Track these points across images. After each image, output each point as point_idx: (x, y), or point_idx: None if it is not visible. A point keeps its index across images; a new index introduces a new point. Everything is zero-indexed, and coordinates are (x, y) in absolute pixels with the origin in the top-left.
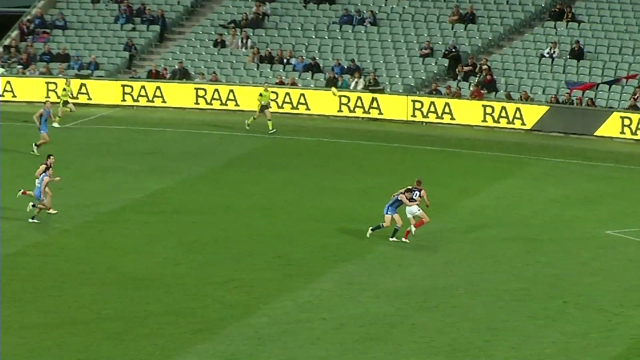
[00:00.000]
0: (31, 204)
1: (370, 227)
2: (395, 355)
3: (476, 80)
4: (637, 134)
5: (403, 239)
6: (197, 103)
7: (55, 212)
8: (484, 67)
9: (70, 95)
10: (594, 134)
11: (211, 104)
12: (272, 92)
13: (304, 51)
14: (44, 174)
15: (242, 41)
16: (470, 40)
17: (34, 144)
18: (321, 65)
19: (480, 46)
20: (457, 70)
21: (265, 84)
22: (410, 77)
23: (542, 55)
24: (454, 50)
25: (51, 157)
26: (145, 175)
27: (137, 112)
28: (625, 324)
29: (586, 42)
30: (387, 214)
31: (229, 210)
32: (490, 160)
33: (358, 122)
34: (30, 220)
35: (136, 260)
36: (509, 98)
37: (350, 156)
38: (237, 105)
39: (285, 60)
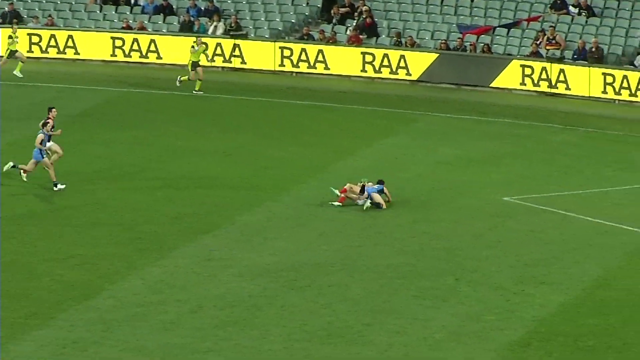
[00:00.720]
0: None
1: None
2: (261, 342)
3: (354, 24)
4: (539, 85)
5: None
6: (30, 51)
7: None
8: (364, 8)
9: None
10: (490, 85)
11: (47, 52)
12: (119, 38)
13: None
14: (40, 131)
15: None
16: None
17: None
18: (174, 6)
19: None
20: (332, 12)
21: (198, 38)
22: (277, 20)
23: None
24: None
25: (53, 109)
26: None
27: None
28: (526, 304)
29: None
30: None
31: (69, 176)
32: (370, 116)
33: (217, 72)
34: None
35: None
36: (399, 45)
37: (208, 112)
38: (76, 53)
39: (132, 2)
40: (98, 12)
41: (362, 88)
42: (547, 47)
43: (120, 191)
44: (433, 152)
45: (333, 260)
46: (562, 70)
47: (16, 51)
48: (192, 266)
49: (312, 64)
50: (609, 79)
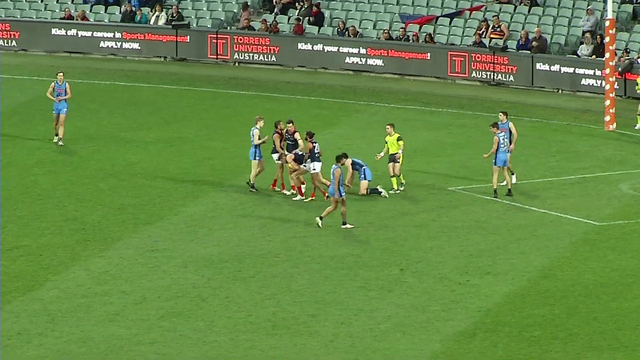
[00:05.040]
0: None
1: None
2: (207, 333)
3: (297, 13)
4: (483, 75)
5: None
6: None
7: None
8: None
9: None
10: (434, 75)
11: None
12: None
13: None
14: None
15: None
16: None
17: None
18: None
19: None
20: (273, 1)
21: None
22: (219, 9)
23: None
24: None
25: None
26: None
27: None
28: (471, 295)
29: None
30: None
31: (10, 167)
32: (312, 106)
33: (159, 63)
34: None
35: None
36: (342, 35)
37: (151, 102)
38: (18, 43)
39: None
40: (40, 1)
41: (304, 79)
42: (492, 36)
43: (64, 182)
44: (376, 143)
45: (277, 251)
46: (505, 60)
47: None
48: (137, 257)
49: (254, 54)
50: (553, 69)
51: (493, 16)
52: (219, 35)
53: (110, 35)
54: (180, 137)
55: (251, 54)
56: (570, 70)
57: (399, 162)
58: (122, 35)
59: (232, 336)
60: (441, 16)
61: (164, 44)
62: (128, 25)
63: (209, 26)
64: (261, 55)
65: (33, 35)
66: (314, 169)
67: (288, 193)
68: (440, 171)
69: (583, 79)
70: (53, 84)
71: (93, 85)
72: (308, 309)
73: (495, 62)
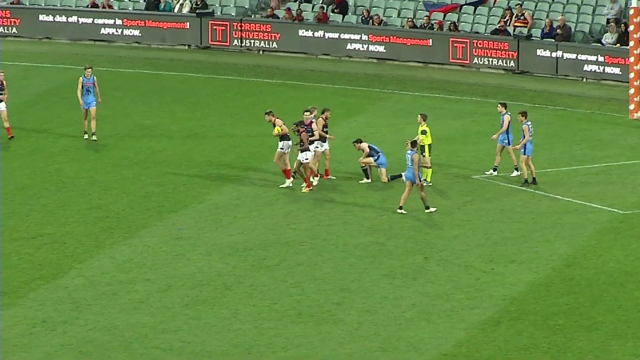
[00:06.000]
0: None
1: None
2: (231, 321)
3: (321, 2)
4: (507, 63)
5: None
6: None
7: None
8: None
9: None
10: (457, 63)
11: (13, 31)
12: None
13: None
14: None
15: None
16: None
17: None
18: None
19: None
20: None
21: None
22: None
23: None
24: None
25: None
26: None
27: None
28: (495, 283)
29: None
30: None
31: (34, 155)
32: (337, 94)
33: (184, 51)
34: None
35: None
36: (366, 23)
37: (175, 90)
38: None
39: None
40: None
41: (330, 67)
42: (516, 24)
43: (88, 170)
44: (400, 131)
45: (302, 239)
46: (530, 48)
47: None
48: (161, 245)
49: (279, 41)
50: (578, 57)
51: (517, 4)
52: (242, 23)
53: (134, 23)
54: (204, 125)
55: (275, 41)
56: (594, 58)
57: (423, 155)
58: (145, 23)
59: (257, 324)
60: (465, 4)
61: (188, 31)
62: (152, 13)
63: (232, 14)
64: (284, 42)
65: (56, 23)
66: (306, 159)
67: (334, 177)
68: (465, 159)
69: (607, 67)
70: (81, 78)
71: (117, 74)
72: (333, 297)
73: (520, 50)
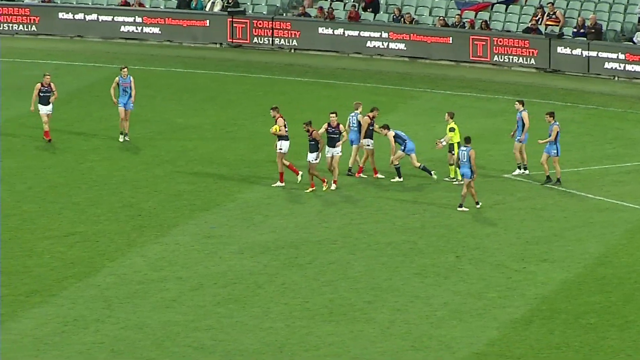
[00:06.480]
0: None
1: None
2: (263, 319)
3: (352, 0)
4: (539, 62)
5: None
6: (27, 29)
7: None
8: None
9: None
10: (490, 61)
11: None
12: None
13: None
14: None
15: None
16: None
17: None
18: None
19: None
20: None
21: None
22: None
23: None
24: None
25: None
26: None
27: None
28: (527, 282)
29: None
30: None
31: (66, 153)
32: (369, 92)
33: (215, 49)
34: None
35: None
36: (397, 21)
37: (207, 89)
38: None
39: None
40: None
41: (361, 65)
42: (547, 23)
43: (119, 168)
44: (432, 129)
45: (334, 238)
46: (561, 47)
47: None
48: (193, 243)
49: (310, 40)
50: (610, 56)
51: (548, 3)
52: (274, 22)
53: (165, 21)
54: (236, 123)
55: (307, 40)
56: (626, 57)
57: (452, 153)
58: (176, 22)
59: (289, 322)
60: (497, 3)
61: (219, 29)
62: (183, 12)
63: (264, 12)
64: (315, 41)
65: (89, 22)
66: (315, 160)
67: (382, 176)
68: (496, 158)
69: (639, 66)
70: (117, 78)
71: (149, 72)
72: (364, 296)
73: (552, 48)
